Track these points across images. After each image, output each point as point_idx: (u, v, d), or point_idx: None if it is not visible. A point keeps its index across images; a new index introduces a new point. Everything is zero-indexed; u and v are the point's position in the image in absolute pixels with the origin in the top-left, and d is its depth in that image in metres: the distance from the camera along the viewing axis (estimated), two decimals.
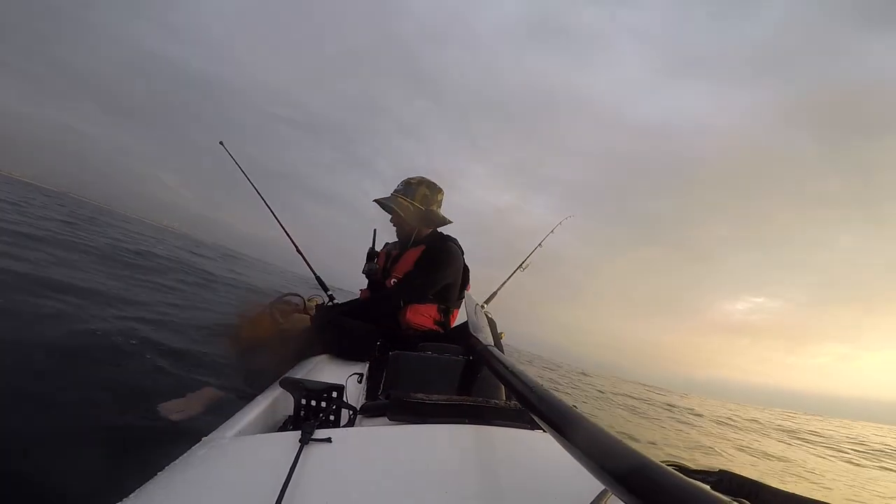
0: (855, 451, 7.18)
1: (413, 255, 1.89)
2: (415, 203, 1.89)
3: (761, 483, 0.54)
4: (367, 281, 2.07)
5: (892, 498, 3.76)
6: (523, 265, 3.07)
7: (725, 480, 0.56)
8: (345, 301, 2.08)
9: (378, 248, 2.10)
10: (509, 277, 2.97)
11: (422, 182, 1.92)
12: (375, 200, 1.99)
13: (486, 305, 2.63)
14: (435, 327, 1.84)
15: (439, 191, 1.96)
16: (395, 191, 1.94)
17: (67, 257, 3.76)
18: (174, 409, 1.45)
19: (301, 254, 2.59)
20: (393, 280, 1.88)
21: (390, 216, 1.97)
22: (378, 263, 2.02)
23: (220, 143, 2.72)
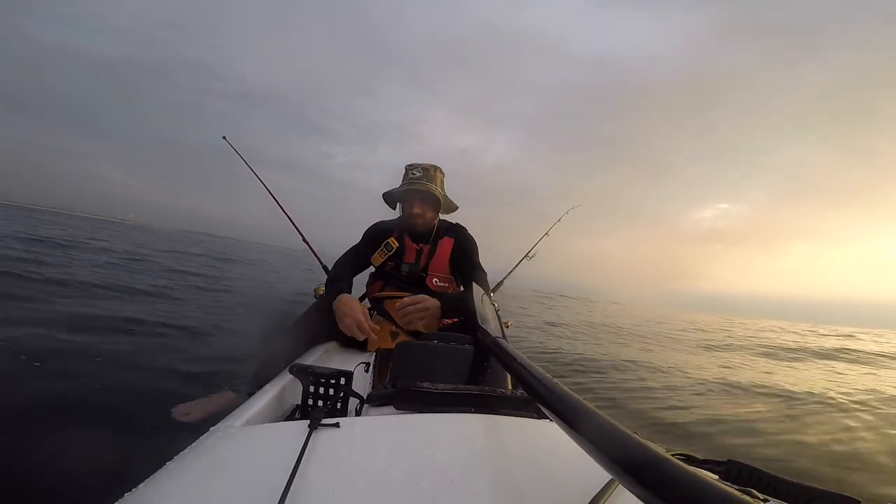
0: None
1: (446, 247, 1.74)
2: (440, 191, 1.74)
3: (769, 472, 0.54)
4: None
5: None
6: (530, 254, 3.01)
7: (734, 470, 0.56)
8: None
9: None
10: (515, 266, 2.94)
11: (437, 168, 1.76)
12: (406, 189, 1.69)
13: (492, 294, 2.61)
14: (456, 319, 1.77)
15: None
16: (413, 178, 1.69)
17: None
18: (185, 412, 1.43)
19: (307, 242, 2.56)
20: (434, 279, 1.71)
21: (411, 206, 1.70)
22: (408, 259, 1.75)
23: (224, 137, 2.67)
